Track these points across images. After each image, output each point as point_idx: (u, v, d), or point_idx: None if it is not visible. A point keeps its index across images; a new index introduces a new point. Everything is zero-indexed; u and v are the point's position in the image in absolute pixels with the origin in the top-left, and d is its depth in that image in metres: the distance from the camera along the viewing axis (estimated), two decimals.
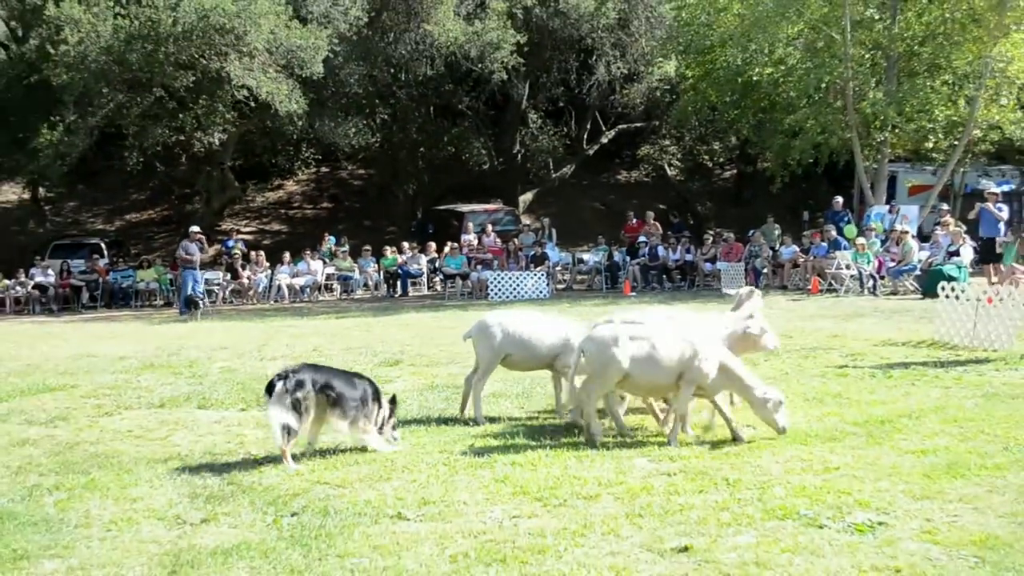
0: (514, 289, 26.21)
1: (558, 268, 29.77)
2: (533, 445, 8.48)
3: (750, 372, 8.56)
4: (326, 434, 8.69)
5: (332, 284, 29.66)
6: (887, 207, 27.67)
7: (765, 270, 26.69)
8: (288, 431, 8.02)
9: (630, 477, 7.40)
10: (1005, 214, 23.15)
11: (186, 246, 25.08)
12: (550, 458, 8.03)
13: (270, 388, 8.11)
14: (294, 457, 8.23)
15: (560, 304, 23.32)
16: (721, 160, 45.53)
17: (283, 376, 8.11)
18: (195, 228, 26.44)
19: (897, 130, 27.57)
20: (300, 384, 8.06)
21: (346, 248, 30.77)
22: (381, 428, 8.56)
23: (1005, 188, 32.40)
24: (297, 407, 8.01)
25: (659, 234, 30.20)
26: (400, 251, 29.93)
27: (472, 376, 9.90)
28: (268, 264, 29.67)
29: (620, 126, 43.05)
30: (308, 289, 28.78)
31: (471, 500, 7.04)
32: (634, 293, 26.21)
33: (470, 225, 31.55)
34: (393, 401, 8.78)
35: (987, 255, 22.54)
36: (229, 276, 29.16)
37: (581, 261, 30.21)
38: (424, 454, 8.40)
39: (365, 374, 8.97)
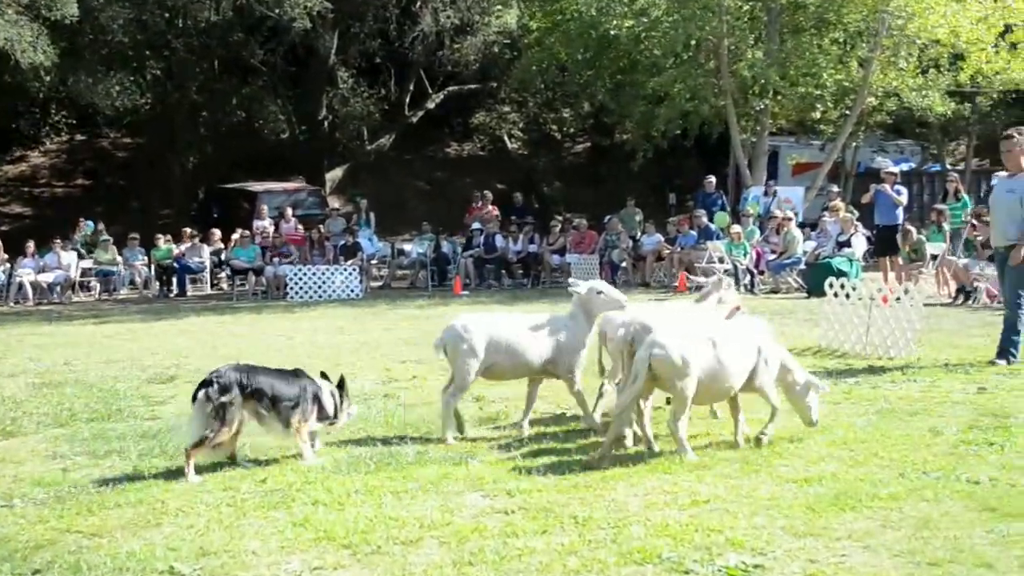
0: (319, 287, 25.98)
1: (374, 262, 29.64)
2: (340, 479, 8.38)
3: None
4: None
5: (90, 281, 28.90)
6: (764, 188, 28.33)
7: (624, 264, 27.13)
8: (203, 440, 8.64)
9: (459, 516, 7.37)
10: (904, 198, 24.04)
11: None
12: (361, 495, 7.94)
13: (195, 397, 8.74)
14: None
15: (376, 306, 23.20)
16: (572, 131, 46.14)
17: (208, 382, 8.71)
18: None
19: (779, 97, 28.35)
20: (225, 389, 8.69)
21: (108, 237, 29.95)
22: (335, 417, 9.33)
23: (904, 167, 33.75)
24: (220, 414, 8.66)
25: (497, 220, 30.35)
26: (177, 240, 29.32)
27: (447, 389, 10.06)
28: (6, 256, 28.67)
29: (450, 88, 43.21)
30: (59, 288, 27.95)
31: (262, 549, 6.89)
32: (466, 292, 26.29)
33: (265, 208, 31.17)
34: (341, 384, 9.48)
35: (883, 246, 23.34)
36: None
37: (402, 253, 30.18)
38: (203, 492, 8.21)
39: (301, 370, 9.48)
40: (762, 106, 28.30)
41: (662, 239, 27.24)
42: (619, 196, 33.03)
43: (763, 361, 8.92)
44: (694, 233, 26.36)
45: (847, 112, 28.82)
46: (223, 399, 8.66)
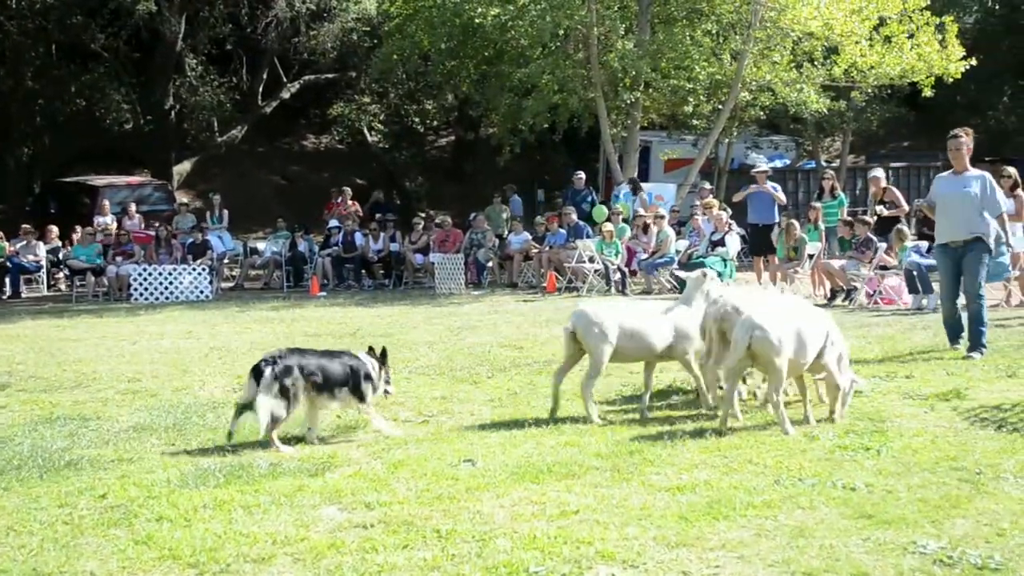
0: (165, 288, 25.59)
1: (225, 261, 29.32)
2: (187, 493, 8.26)
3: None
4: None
5: None
6: (629, 185, 28.50)
7: (490, 263, 27.18)
8: (275, 420, 9.56)
9: (314, 531, 7.30)
10: (783, 196, 24.41)
11: None
12: (209, 510, 7.83)
13: (257, 374, 9.57)
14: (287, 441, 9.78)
15: (227, 308, 22.93)
16: (435, 124, 46.20)
17: (270, 361, 9.60)
18: None
19: (651, 90, 28.66)
20: (288, 370, 9.60)
21: None
22: (375, 389, 10.19)
23: (778, 164, 34.41)
24: (285, 394, 9.55)
25: (356, 217, 30.24)
26: (11, 237, 28.64)
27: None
28: None
29: (306, 77, 42.96)
30: None
31: (101, 570, 6.76)
32: (323, 293, 26.13)
33: (107, 203, 30.66)
34: (383, 356, 10.36)
35: (758, 245, 23.71)
36: None
37: (255, 252, 29.89)
38: (37, 509, 8.04)
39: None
40: (633, 99, 28.54)
41: (530, 237, 27.33)
42: (485, 192, 33.17)
43: (829, 342, 9.89)
44: (563, 231, 26.49)
45: (720, 107, 29.22)
46: (286, 381, 9.53)
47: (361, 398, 10.04)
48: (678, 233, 25.54)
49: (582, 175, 29.61)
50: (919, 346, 14.39)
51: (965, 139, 13.75)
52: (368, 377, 10.09)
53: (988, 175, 13.87)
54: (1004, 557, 6.33)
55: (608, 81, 28.19)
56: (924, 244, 18.99)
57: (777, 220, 23.65)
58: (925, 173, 34.86)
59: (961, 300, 13.90)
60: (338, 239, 28.63)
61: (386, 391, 10.42)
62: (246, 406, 9.69)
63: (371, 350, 10.37)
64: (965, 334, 13.76)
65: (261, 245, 30.41)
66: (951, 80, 28.39)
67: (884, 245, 20.28)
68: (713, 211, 24.20)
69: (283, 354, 9.77)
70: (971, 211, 13.50)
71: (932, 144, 37.28)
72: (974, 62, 28.34)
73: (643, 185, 29.52)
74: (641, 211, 26.35)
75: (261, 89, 42.79)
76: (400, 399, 10.81)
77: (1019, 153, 37.84)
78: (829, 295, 20.86)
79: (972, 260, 13.54)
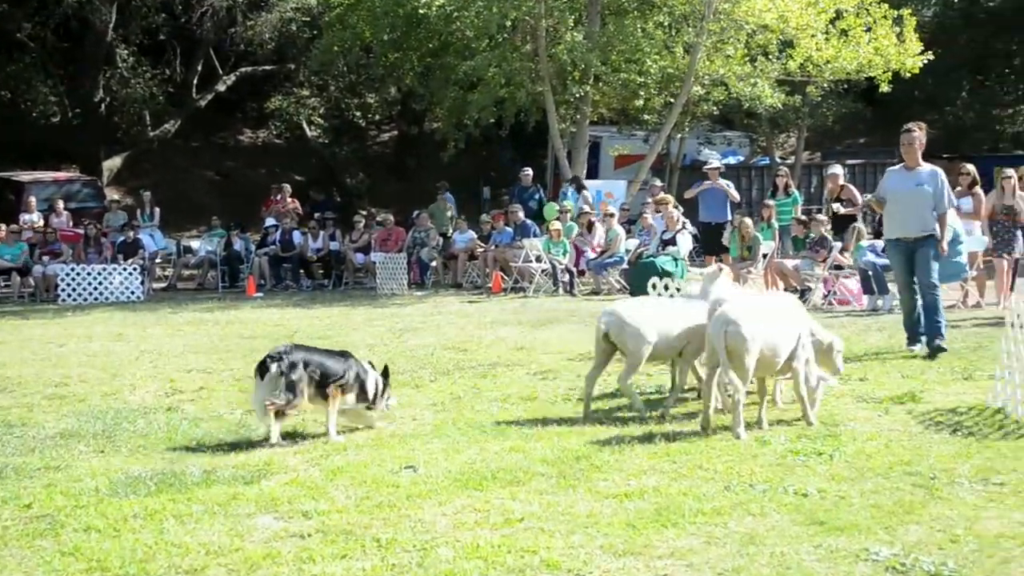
0: (95, 289, 25.38)
1: (157, 260, 29.14)
2: (116, 502, 8.21)
3: None
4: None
5: None
6: (572, 184, 28.49)
7: (434, 263, 27.15)
8: (279, 415, 10.01)
9: (249, 541, 7.28)
10: (736, 193, 24.51)
11: None
12: (140, 520, 7.79)
13: (263, 370, 9.97)
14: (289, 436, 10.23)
15: (159, 310, 22.79)
16: (377, 118, 46.09)
17: (276, 357, 9.98)
18: None
19: (601, 83, 28.70)
20: (293, 366, 9.95)
21: None
22: (374, 402, 10.55)
23: (731, 160, 34.57)
24: (292, 389, 9.92)
25: (295, 215, 30.13)
26: None
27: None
28: None
29: (243, 70, 42.75)
30: None
31: None
32: (260, 294, 26.01)
33: (33, 200, 30.37)
34: (386, 373, 10.74)
35: (711, 244, 23.82)
36: None
37: (189, 251, 29.73)
38: None
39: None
40: (582, 93, 28.58)
41: (475, 236, 27.32)
42: (428, 189, 33.07)
43: (801, 345, 10.02)
44: (510, 230, 26.49)
45: (672, 101, 29.32)
46: (293, 376, 9.90)
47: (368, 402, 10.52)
48: (628, 232, 25.59)
49: (529, 172, 29.59)
50: (874, 348, 14.51)
51: (918, 134, 13.98)
52: (360, 382, 10.46)
53: (940, 171, 14.11)
54: (958, 564, 6.40)
55: (556, 74, 28.22)
56: (880, 243, 19.11)
57: (730, 218, 23.77)
58: (882, 170, 34.69)
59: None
60: (275, 238, 28.51)
61: (387, 405, 10.83)
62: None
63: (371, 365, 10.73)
64: (924, 338, 13.96)
65: (195, 244, 30.24)
66: (909, 75, 28.59)
67: (839, 244, 20.41)
68: (668, 208, 24.18)
69: (288, 349, 10.21)
70: (923, 207, 13.75)
71: (888, 140, 37.45)
72: (932, 56, 28.58)
73: (593, 182, 29.59)
74: (586, 208, 26.37)
75: (196, 81, 42.52)
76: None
77: (977, 150, 38.30)
78: None
79: (924, 254, 13.80)
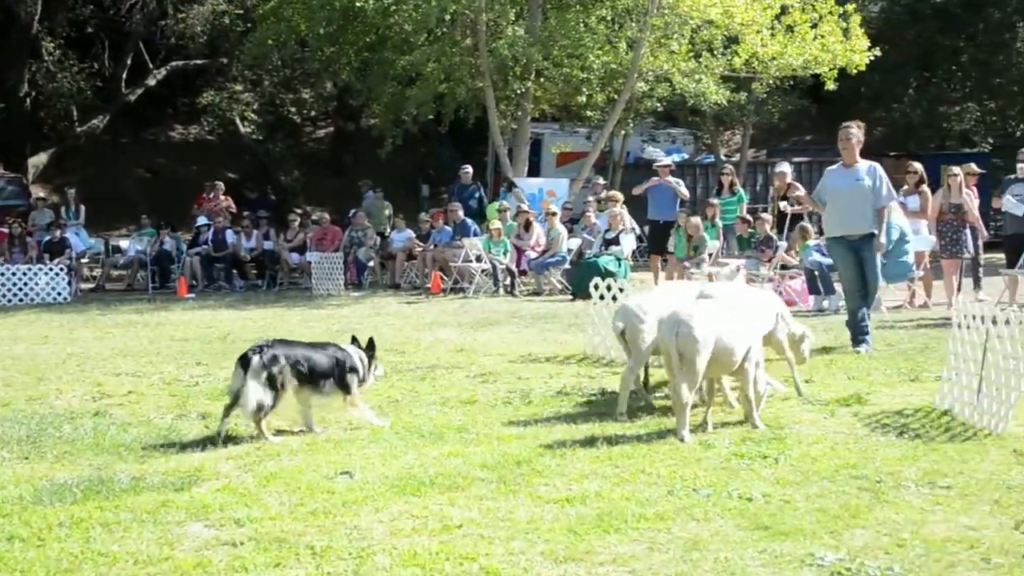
0: (20, 289, 25.17)
1: (85, 260, 28.93)
2: (40, 510, 8.13)
3: None
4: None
5: None
6: (504, 184, 28.46)
7: (371, 263, 27.13)
8: (260, 408, 10.06)
9: (179, 550, 7.24)
10: (685, 190, 24.57)
11: None
12: (66, 528, 7.72)
13: (245, 362, 10.07)
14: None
15: (87, 311, 22.63)
16: (313, 114, 46.03)
17: (258, 350, 10.15)
18: None
19: (542, 79, 28.74)
20: (275, 359, 10.12)
21: None
22: (364, 380, 10.76)
23: (676, 158, 34.69)
24: (273, 383, 10.07)
25: (227, 213, 29.99)
26: None
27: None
28: None
29: (174, 63, 42.56)
30: None
31: None
32: (192, 295, 25.88)
33: None
34: (371, 346, 10.97)
35: (658, 243, 23.86)
36: None
37: (118, 251, 29.59)
38: None
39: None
40: (523, 89, 28.64)
41: (413, 235, 27.30)
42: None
43: (756, 348, 10.09)
44: (449, 229, 26.50)
45: (615, 97, 29.42)
46: (274, 369, 10.06)
47: (346, 390, 10.54)
48: (570, 231, 25.65)
49: (469, 169, 29.60)
50: (819, 349, 14.60)
51: (856, 131, 14.38)
52: (353, 369, 10.61)
53: (878, 166, 14.48)
54: (904, 568, 6.46)
55: (497, 70, 28.24)
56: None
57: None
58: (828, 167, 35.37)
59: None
60: (208, 237, 28.39)
61: (375, 376, 11.10)
62: (234, 403, 10.21)
63: (355, 340, 10.97)
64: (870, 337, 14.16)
65: (124, 243, 30.07)
66: (855, 71, 28.83)
67: (784, 244, 20.55)
68: (616, 206, 24.17)
69: (270, 343, 10.33)
70: (865, 204, 14.10)
71: (835, 138, 37.80)
72: (879, 53, 28.83)
73: (534, 180, 29.66)
74: (523, 207, 26.36)
75: (125, 76, 42.27)
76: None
77: (924, 147, 38.57)
78: None
79: (871, 258, 14.16)
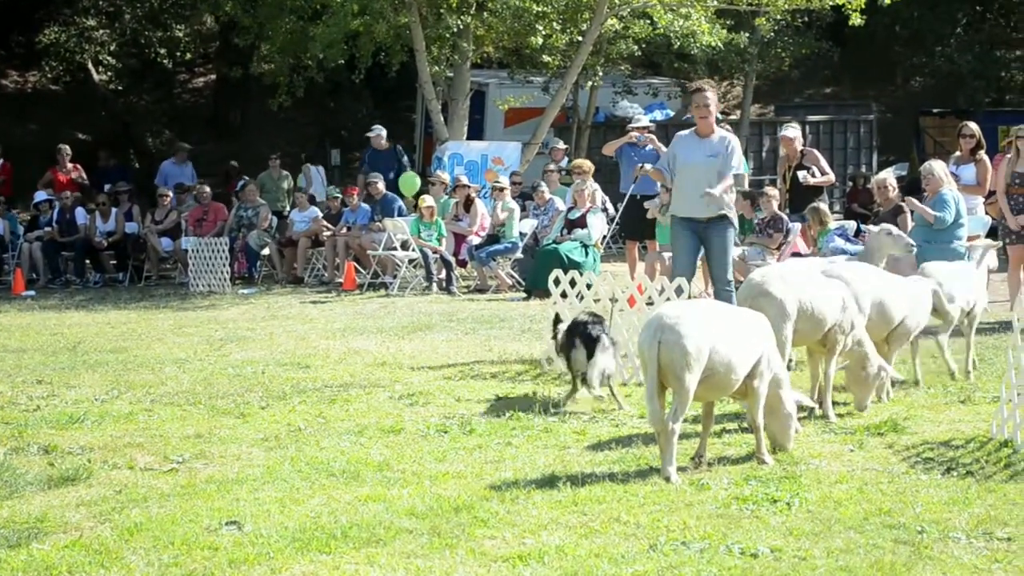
0: None
1: None
2: None
3: None
4: None
5: None
6: (446, 148, 28.31)
7: (265, 251, 26.94)
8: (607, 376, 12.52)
9: None
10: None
11: None
12: None
13: (587, 337, 12.59)
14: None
15: None
16: (188, 57, 45.82)
17: (594, 322, 12.79)
18: None
19: (486, 13, 28.66)
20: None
21: None
22: None
23: (658, 116, 34.69)
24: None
25: (77, 186, 29.82)
26: None
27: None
28: None
29: None
30: None
31: None
32: (31, 291, 25.67)
33: None
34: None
35: (635, 227, 23.63)
36: None
37: None
38: None
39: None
40: (461, 26, 28.53)
41: (320, 215, 27.14)
42: (258, 151, 32.93)
43: (766, 360, 10.19)
44: (367, 207, 26.34)
45: (580, 38, 29.39)
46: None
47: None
48: (523, 209, 25.57)
49: (382, 131, 28.99)
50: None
51: (711, 95, 14.75)
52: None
53: (733, 138, 15.09)
54: None
55: (427, 2, 28.18)
56: (851, 225, 19.22)
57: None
58: (854, 129, 35.46)
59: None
60: (51, 217, 28.19)
61: None
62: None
63: None
64: None
65: None
66: (887, 3, 28.74)
67: (798, 226, 20.43)
68: (586, 178, 23.69)
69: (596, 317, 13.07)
70: (709, 186, 14.21)
71: (862, 91, 37.95)
72: None
73: (476, 144, 29.57)
74: (463, 180, 25.94)
75: None
76: (138, 439, 10.68)
77: (978, 103, 38.45)
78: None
79: (719, 243, 14.57)
